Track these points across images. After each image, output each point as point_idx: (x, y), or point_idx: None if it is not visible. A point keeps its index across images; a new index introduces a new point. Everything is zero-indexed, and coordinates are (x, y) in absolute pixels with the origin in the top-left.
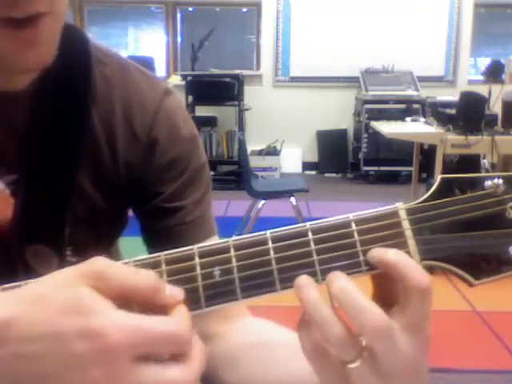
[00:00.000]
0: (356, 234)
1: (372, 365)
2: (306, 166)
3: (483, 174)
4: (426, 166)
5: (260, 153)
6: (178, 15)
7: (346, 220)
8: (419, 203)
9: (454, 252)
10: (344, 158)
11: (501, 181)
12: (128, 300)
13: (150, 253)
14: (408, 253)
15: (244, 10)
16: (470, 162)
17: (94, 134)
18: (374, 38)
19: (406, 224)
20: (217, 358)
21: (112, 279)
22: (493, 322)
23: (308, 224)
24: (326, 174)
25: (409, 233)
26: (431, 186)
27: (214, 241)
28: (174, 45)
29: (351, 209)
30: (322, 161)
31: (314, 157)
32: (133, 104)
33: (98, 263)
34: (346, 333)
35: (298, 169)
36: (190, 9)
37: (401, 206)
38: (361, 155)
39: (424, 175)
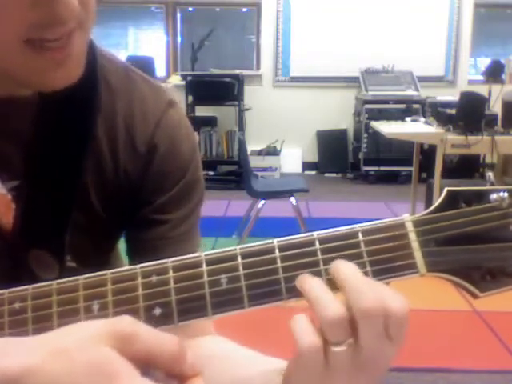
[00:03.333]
0: (363, 245)
1: (354, 352)
2: (306, 165)
3: (489, 188)
4: (426, 166)
5: (260, 153)
6: (178, 15)
7: (353, 230)
8: (425, 215)
9: (459, 264)
10: (344, 157)
11: (506, 194)
12: (149, 365)
13: (130, 264)
14: (414, 264)
15: (244, 9)
16: (469, 162)
17: (98, 141)
18: (374, 38)
19: (412, 236)
20: None
21: (138, 343)
22: (493, 322)
23: (315, 233)
24: (326, 174)
25: (415, 245)
26: (431, 186)
27: None
28: (174, 45)
29: (351, 209)
30: (322, 161)
31: (314, 157)
32: (135, 114)
33: (125, 324)
34: (341, 313)
35: (298, 169)
36: (190, 9)
37: (407, 218)
38: (361, 155)
39: (424, 175)
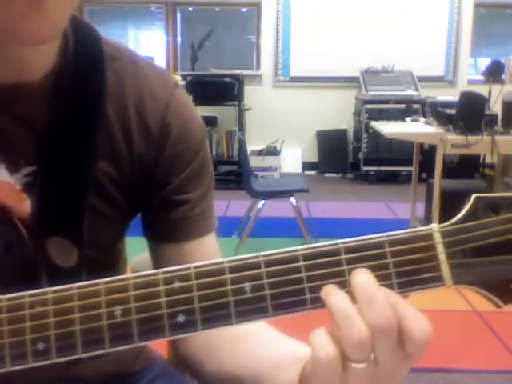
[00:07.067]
0: (389, 256)
1: (373, 369)
2: (306, 165)
3: None
4: (426, 166)
5: (260, 153)
6: (178, 15)
7: (379, 241)
8: (453, 224)
9: (485, 275)
10: (344, 157)
11: None
12: None
13: (152, 248)
14: (440, 277)
15: (244, 9)
16: (469, 162)
17: (110, 126)
18: (374, 38)
19: (440, 247)
20: (197, 346)
21: None
22: (493, 322)
23: (340, 243)
24: (326, 174)
25: (443, 257)
26: (431, 186)
27: (213, 237)
28: (174, 45)
29: (351, 209)
30: (322, 161)
31: (314, 157)
32: (144, 97)
33: None
34: (364, 334)
35: (298, 169)
36: (190, 9)
37: (435, 228)
38: (361, 155)
39: (424, 175)
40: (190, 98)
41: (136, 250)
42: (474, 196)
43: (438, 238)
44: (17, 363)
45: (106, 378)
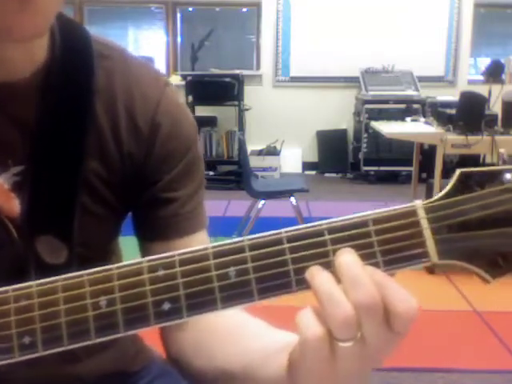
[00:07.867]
0: (374, 234)
1: (360, 347)
2: (306, 165)
3: (502, 167)
4: (426, 166)
5: (260, 153)
6: (178, 15)
7: (364, 219)
8: (437, 200)
9: (471, 250)
10: (344, 157)
11: None
12: None
13: (142, 246)
14: (426, 253)
15: (244, 9)
16: (469, 162)
17: (99, 125)
18: (374, 38)
19: (424, 223)
20: (185, 344)
21: None
22: (493, 322)
23: (324, 223)
24: (326, 174)
25: (427, 232)
26: (431, 186)
27: (204, 234)
28: (174, 45)
29: (351, 209)
30: (322, 161)
31: (314, 157)
32: (135, 96)
33: None
34: (349, 313)
35: (298, 169)
36: (190, 9)
37: (419, 205)
38: (361, 155)
39: (424, 175)
40: (181, 97)
41: (132, 250)
42: (458, 171)
43: (422, 213)
44: (3, 358)
45: (104, 377)
